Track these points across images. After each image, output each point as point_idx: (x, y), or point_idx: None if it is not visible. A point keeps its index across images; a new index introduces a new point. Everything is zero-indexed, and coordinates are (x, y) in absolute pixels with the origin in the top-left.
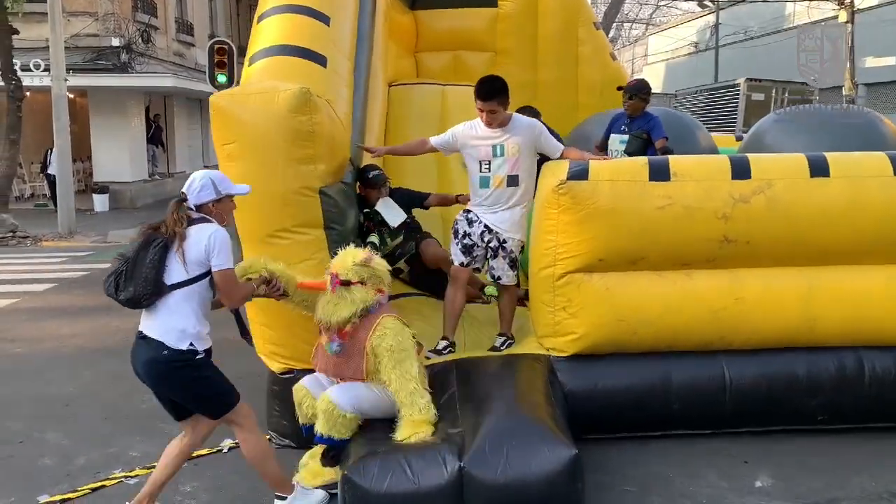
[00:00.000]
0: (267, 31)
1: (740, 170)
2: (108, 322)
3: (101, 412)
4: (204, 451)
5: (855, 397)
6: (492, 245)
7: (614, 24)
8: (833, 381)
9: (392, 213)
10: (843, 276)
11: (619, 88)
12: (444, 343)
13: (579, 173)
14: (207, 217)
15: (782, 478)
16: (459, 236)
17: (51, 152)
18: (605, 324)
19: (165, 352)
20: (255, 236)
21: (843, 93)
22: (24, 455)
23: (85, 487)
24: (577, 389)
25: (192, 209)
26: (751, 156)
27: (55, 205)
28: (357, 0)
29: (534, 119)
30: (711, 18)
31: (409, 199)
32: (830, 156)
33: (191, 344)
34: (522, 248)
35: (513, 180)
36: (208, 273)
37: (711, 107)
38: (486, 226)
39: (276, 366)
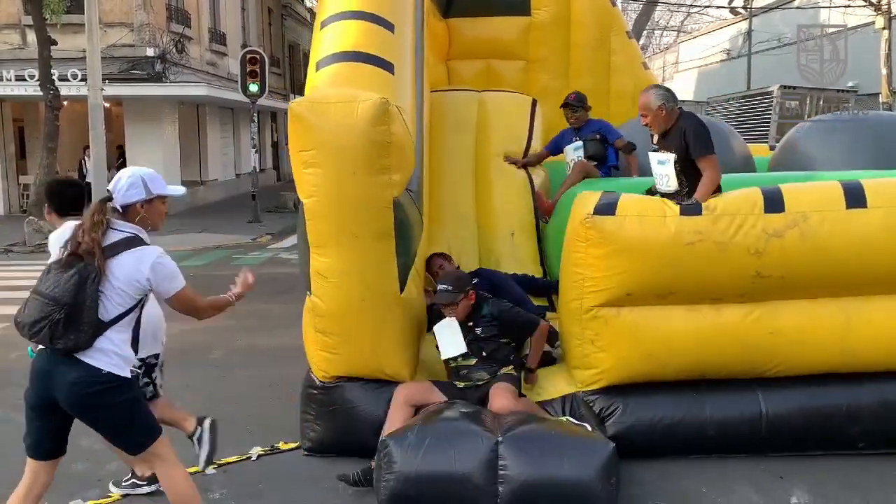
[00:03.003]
0: (333, 37)
1: (773, 203)
2: None
3: None
4: (232, 459)
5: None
6: None
7: (645, 32)
8: (873, 412)
9: (447, 342)
10: (882, 305)
11: (562, 106)
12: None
13: (606, 207)
14: (137, 234)
15: (820, 494)
16: None
17: (85, 162)
18: (633, 358)
19: (105, 372)
20: (326, 243)
21: (881, 100)
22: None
23: (115, 493)
24: (608, 419)
25: (117, 210)
26: (784, 187)
27: None
28: (414, 8)
29: None
30: (744, 25)
31: (508, 321)
32: (867, 184)
33: (131, 370)
34: None
35: None
36: (144, 296)
37: (744, 115)
38: None
39: (321, 374)
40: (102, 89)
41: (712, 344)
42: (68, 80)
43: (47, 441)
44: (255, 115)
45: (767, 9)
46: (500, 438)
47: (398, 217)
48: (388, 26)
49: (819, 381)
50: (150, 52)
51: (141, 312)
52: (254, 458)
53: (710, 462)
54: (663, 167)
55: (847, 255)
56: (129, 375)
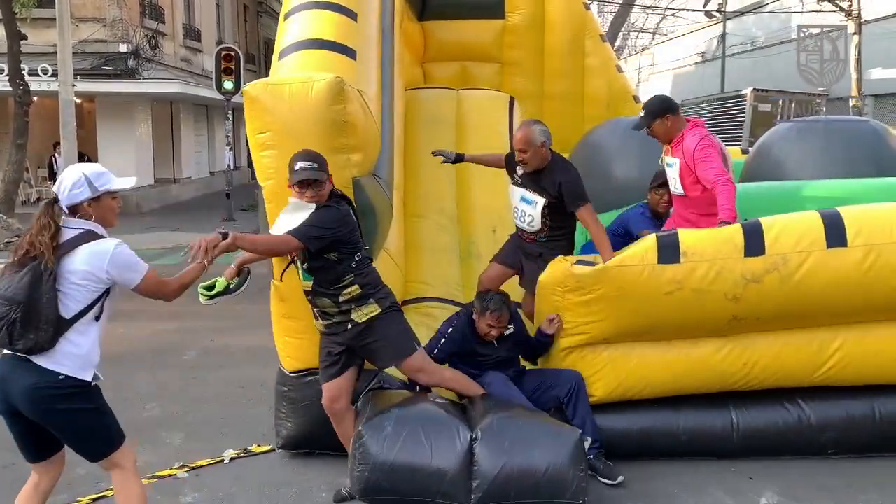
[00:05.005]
0: (295, 27)
1: (754, 245)
2: (112, 328)
3: None
4: (205, 462)
5: (865, 435)
6: None
7: (620, 34)
8: (843, 422)
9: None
10: (855, 333)
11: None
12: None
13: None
14: (92, 229)
15: (789, 495)
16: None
17: (56, 158)
18: (610, 391)
19: (62, 377)
20: None
21: (851, 104)
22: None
23: (85, 498)
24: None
25: (65, 211)
26: (765, 224)
27: None
28: None
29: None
30: (718, 28)
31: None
32: (847, 217)
33: (95, 375)
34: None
35: None
36: (106, 291)
37: (718, 117)
38: None
39: (290, 363)
40: (74, 85)
41: (687, 373)
42: (38, 76)
43: (31, 443)
44: (230, 112)
45: (741, 12)
46: (475, 434)
47: (360, 199)
48: (351, 14)
49: (792, 402)
50: (122, 47)
51: (103, 312)
52: (226, 460)
53: (683, 463)
54: (530, 207)
55: (823, 295)
56: (89, 380)
